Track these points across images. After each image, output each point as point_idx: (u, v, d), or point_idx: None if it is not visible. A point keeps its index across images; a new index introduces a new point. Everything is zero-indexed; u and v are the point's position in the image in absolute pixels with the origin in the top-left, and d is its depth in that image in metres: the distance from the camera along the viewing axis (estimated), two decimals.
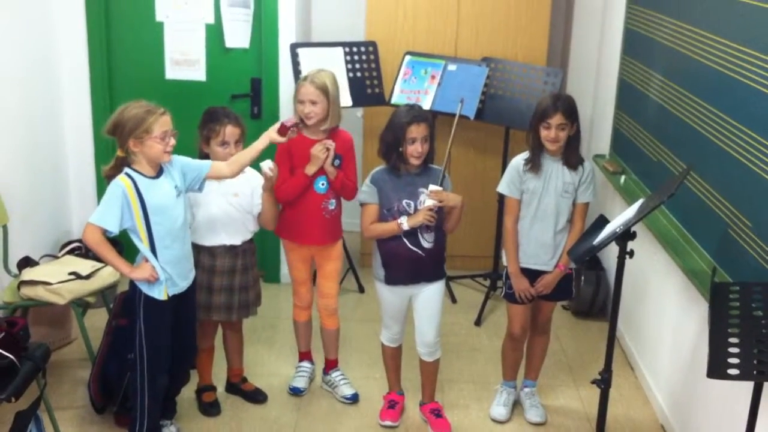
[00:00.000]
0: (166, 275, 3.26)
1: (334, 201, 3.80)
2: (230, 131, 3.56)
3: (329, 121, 3.68)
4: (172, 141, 3.20)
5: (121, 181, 3.16)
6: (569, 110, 3.50)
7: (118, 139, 3.17)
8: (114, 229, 3.15)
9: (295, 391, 3.97)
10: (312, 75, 3.66)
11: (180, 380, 3.70)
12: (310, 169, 3.67)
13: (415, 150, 3.46)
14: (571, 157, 3.58)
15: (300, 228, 3.79)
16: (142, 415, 3.39)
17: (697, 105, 3.48)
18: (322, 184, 3.74)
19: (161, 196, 3.23)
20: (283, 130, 3.45)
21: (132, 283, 3.31)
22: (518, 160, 3.65)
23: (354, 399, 4.00)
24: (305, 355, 4.10)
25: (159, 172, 3.25)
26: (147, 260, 3.24)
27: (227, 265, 3.69)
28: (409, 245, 3.53)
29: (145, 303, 3.29)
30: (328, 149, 3.66)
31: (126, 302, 3.94)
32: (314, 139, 3.71)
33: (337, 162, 3.72)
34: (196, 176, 3.37)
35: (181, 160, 3.35)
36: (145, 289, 3.27)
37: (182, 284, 3.35)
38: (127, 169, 3.19)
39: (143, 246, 3.22)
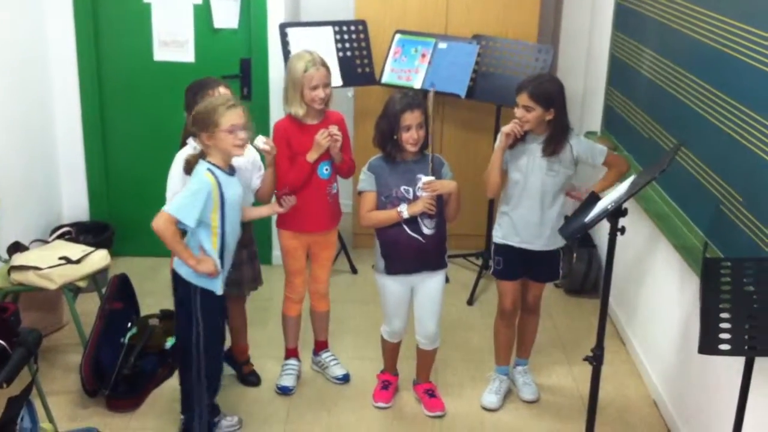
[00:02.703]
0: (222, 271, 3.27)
1: (336, 185, 3.78)
2: (224, 92, 3.53)
3: (329, 102, 3.67)
4: (242, 134, 3.17)
5: (207, 178, 3.14)
6: (538, 94, 3.43)
7: (196, 132, 3.19)
8: (192, 224, 3.13)
9: (285, 390, 3.90)
10: (313, 59, 3.60)
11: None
12: (312, 156, 3.62)
13: (410, 137, 3.44)
14: (547, 145, 3.52)
15: (306, 216, 3.73)
16: (200, 414, 3.36)
17: (688, 81, 3.46)
18: (326, 170, 3.71)
19: (235, 193, 3.26)
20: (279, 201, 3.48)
21: (181, 282, 3.26)
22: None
23: (345, 379, 4.00)
24: (292, 352, 4.04)
25: (232, 169, 3.27)
26: (204, 253, 3.22)
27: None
28: (409, 232, 3.50)
29: (203, 299, 3.25)
30: (335, 137, 3.60)
31: (120, 287, 3.95)
32: (311, 123, 3.67)
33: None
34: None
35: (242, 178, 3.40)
36: (203, 282, 3.24)
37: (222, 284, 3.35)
38: (208, 165, 3.18)
39: (210, 241, 3.21)
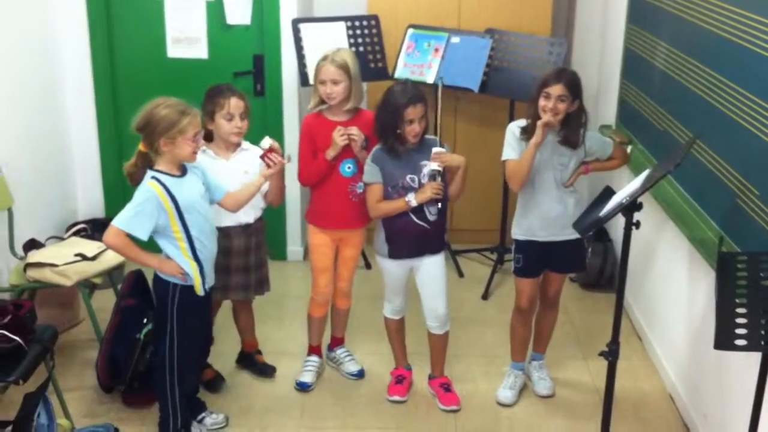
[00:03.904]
0: (200, 271, 3.27)
1: (362, 184, 3.73)
2: (235, 103, 3.55)
3: (351, 100, 3.65)
4: (201, 140, 3.20)
5: (151, 187, 3.12)
6: (572, 84, 3.44)
7: (146, 136, 3.15)
8: (144, 237, 3.14)
9: (303, 386, 3.91)
10: (332, 54, 3.62)
11: (199, 376, 3.74)
12: (330, 154, 3.62)
13: (412, 130, 3.47)
14: (571, 136, 3.51)
15: (328, 212, 3.75)
16: (174, 412, 3.39)
17: (703, 73, 3.43)
18: (348, 168, 3.70)
19: (191, 193, 3.23)
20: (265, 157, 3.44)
21: (161, 281, 3.29)
22: (514, 126, 3.62)
23: (360, 375, 4.01)
24: (315, 349, 4.04)
25: (184, 170, 3.25)
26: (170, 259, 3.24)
27: (243, 245, 3.70)
28: (416, 220, 3.53)
29: (180, 303, 3.27)
30: (353, 137, 3.59)
31: (135, 283, 3.96)
32: (337, 120, 3.67)
33: (364, 144, 3.66)
34: (209, 194, 3.37)
35: (204, 168, 3.37)
36: (179, 281, 3.25)
37: (207, 286, 3.35)
38: (153, 173, 3.16)
39: (177, 245, 3.21)
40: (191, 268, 3.24)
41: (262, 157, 3.46)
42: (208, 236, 3.31)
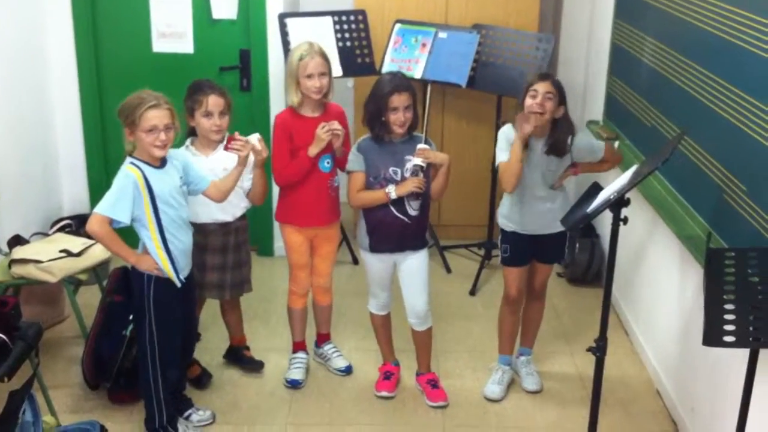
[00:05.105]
0: (171, 263, 3.25)
1: (337, 178, 3.75)
2: (214, 101, 3.52)
3: (330, 93, 3.64)
4: (162, 136, 3.12)
5: (130, 171, 3.12)
6: (558, 85, 3.46)
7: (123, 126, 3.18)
8: (126, 220, 3.13)
9: (294, 384, 3.89)
10: (310, 47, 3.58)
11: (185, 372, 3.71)
12: (313, 151, 3.59)
13: (397, 119, 3.46)
14: (558, 144, 3.52)
15: (307, 210, 3.72)
16: (159, 408, 3.39)
17: (691, 69, 3.44)
18: (327, 163, 3.68)
19: (168, 185, 3.21)
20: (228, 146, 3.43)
21: (136, 273, 3.28)
22: (507, 128, 3.60)
23: (348, 371, 4.00)
24: (300, 345, 4.02)
25: (163, 162, 3.22)
26: (147, 251, 3.23)
27: (219, 243, 3.68)
28: (395, 213, 3.53)
29: (155, 295, 3.26)
30: (336, 132, 3.57)
31: (121, 280, 3.93)
32: (312, 117, 3.65)
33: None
34: (192, 185, 3.36)
35: (186, 161, 3.35)
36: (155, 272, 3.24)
37: (182, 277, 3.33)
38: (132, 159, 3.16)
39: (149, 236, 3.20)
40: (161, 259, 3.22)
41: (226, 149, 3.43)
42: (180, 229, 3.29)
